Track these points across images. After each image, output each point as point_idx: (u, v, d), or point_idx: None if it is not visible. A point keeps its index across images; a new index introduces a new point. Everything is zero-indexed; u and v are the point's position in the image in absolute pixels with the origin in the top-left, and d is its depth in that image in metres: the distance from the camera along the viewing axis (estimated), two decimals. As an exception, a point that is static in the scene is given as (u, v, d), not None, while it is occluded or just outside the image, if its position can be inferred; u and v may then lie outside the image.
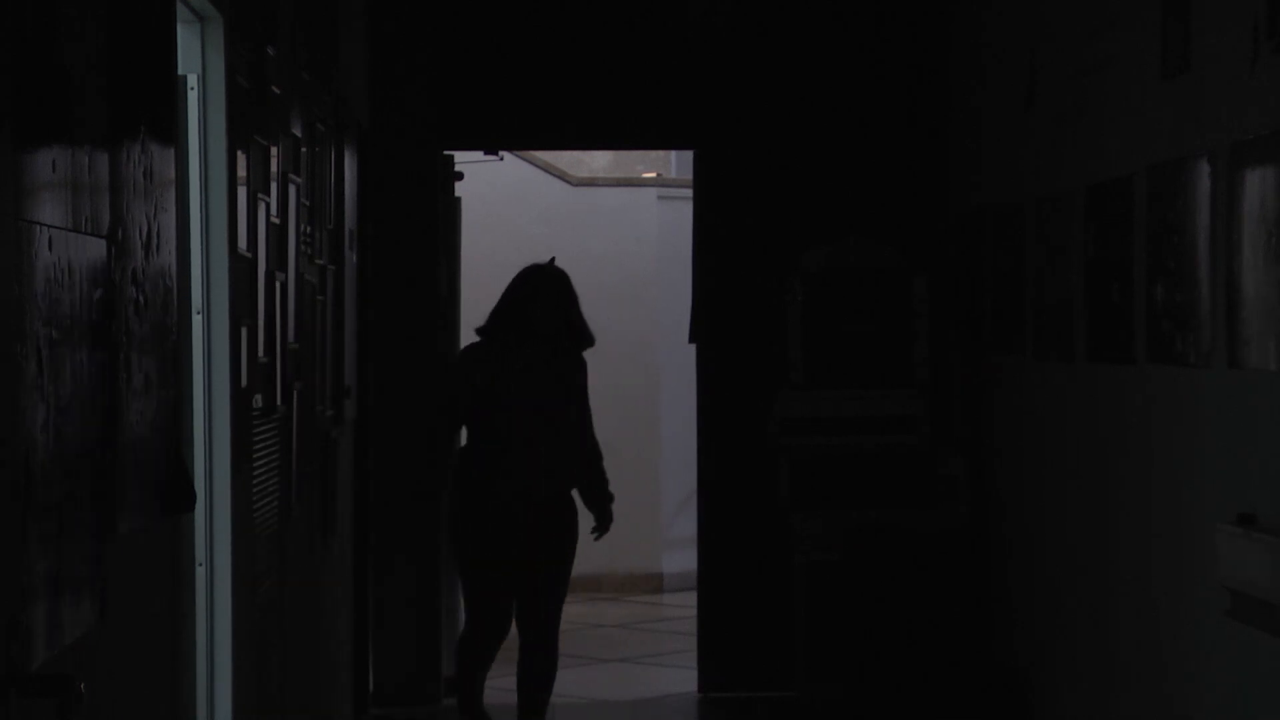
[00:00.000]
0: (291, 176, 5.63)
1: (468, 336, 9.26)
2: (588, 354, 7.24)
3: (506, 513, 6.96)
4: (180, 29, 4.14)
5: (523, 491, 6.95)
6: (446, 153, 8.61)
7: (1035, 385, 7.18)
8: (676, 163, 13.75)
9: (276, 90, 5.33)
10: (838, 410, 8.08)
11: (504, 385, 6.96)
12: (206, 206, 4.53)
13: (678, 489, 11.34)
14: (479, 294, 10.91)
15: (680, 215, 10.55)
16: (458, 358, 7.28)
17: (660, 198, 12.22)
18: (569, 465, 7.08)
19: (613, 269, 11.96)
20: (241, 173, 4.75)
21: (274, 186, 5.29)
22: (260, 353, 5.03)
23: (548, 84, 8.48)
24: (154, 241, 3.56)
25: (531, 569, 7.05)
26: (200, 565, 4.52)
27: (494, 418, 6.96)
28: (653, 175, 13.30)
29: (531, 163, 12.07)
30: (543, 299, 7.02)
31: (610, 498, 7.26)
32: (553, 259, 7.18)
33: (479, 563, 7.04)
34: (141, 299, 3.44)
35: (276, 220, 5.34)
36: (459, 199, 8.82)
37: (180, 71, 4.26)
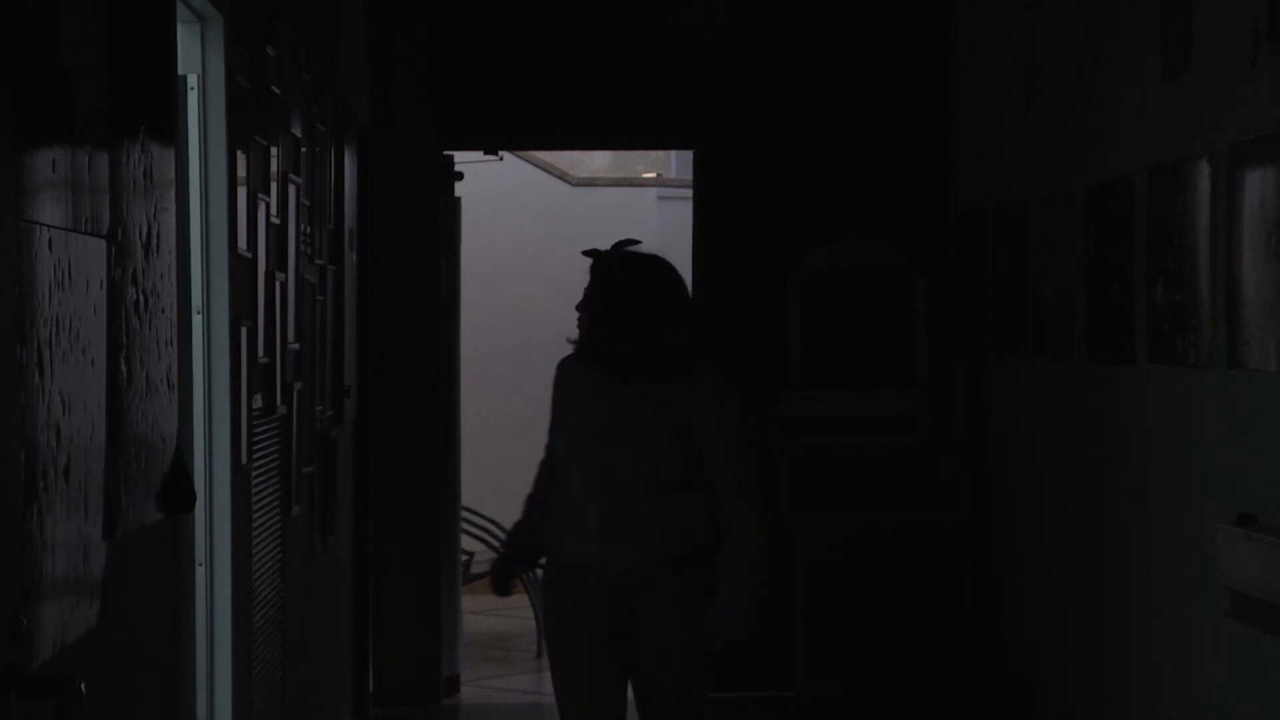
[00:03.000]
0: (291, 176, 5.63)
1: (468, 336, 9.28)
2: None
3: (579, 596, 5.17)
4: (180, 29, 4.13)
5: (593, 565, 5.13)
6: (446, 153, 8.61)
7: (1035, 385, 7.18)
8: (676, 163, 13.75)
9: (276, 90, 5.33)
10: (838, 410, 8.08)
11: (569, 415, 5.28)
12: (206, 206, 4.53)
13: (678, 489, 11.30)
14: (479, 294, 10.92)
15: (680, 215, 10.54)
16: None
17: (660, 198, 12.22)
18: (671, 525, 5.11)
19: (613, 269, 11.93)
20: (241, 173, 4.75)
21: (274, 186, 5.29)
22: (260, 353, 5.03)
23: (547, 84, 8.47)
24: (154, 241, 3.56)
25: (633, 678, 5.20)
26: (200, 565, 4.52)
27: (561, 460, 5.28)
28: (653, 175, 13.31)
29: (531, 163, 12.07)
30: (596, 303, 5.17)
31: (745, 582, 5.08)
32: (622, 243, 5.30)
33: (556, 667, 5.31)
34: (141, 299, 3.44)
35: (276, 220, 5.34)
36: (459, 199, 8.82)
37: (180, 71, 4.26)
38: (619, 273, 5.12)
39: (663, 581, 5.08)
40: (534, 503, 5.40)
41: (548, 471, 5.36)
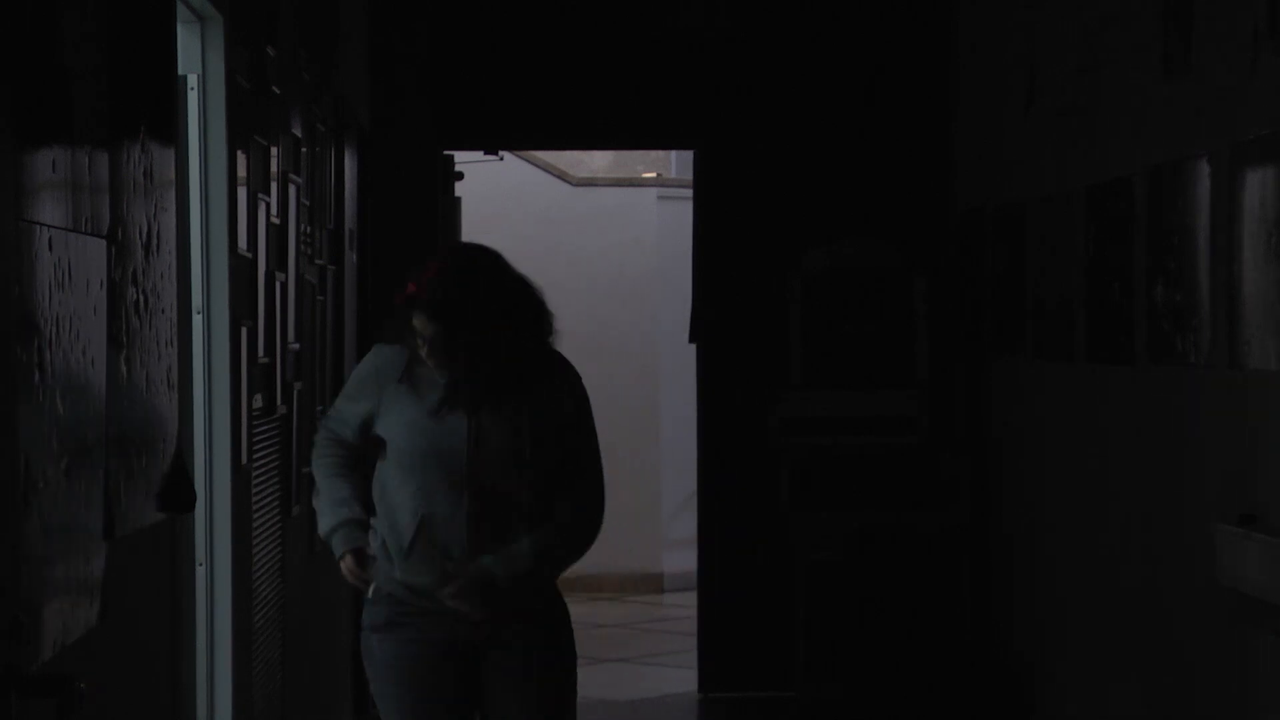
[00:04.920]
0: (291, 176, 5.63)
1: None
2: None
3: (424, 641, 4.37)
4: (180, 29, 4.14)
5: (446, 610, 4.32)
6: (446, 153, 8.61)
7: (1035, 385, 7.18)
8: (676, 163, 13.74)
9: (276, 90, 5.33)
10: (838, 410, 8.08)
11: (404, 419, 4.37)
12: (206, 206, 4.53)
13: (678, 489, 11.35)
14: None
15: (680, 215, 10.55)
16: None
17: (660, 198, 12.23)
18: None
19: (613, 269, 11.96)
20: (241, 173, 4.75)
21: (274, 186, 5.29)
22: (260, 353, 5.03)
23: (548, 84, 8.48)
24: (154, 241, 3.56)
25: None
26: (200, 565, 4.52)
27: (391, 476, 4.38)
28: (653, 175, 13.30)
29: (531, 163, 12.07)
30: (429, 338, 4.26)
31: (540, 550, 4.32)
32: (451, 251, 4.66)
33: None
34: (141, 299, 3.44)
35: (276, 220, 5.34)
36: (459, 199, 8.82)
37: (180, 71, 4.26)
38: (457, 273, 4.28)
39: (523, 617, 4.36)
40: (347, 486, 4.45)
41: (349, 452, 4.46)
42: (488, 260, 4.36)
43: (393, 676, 4.36)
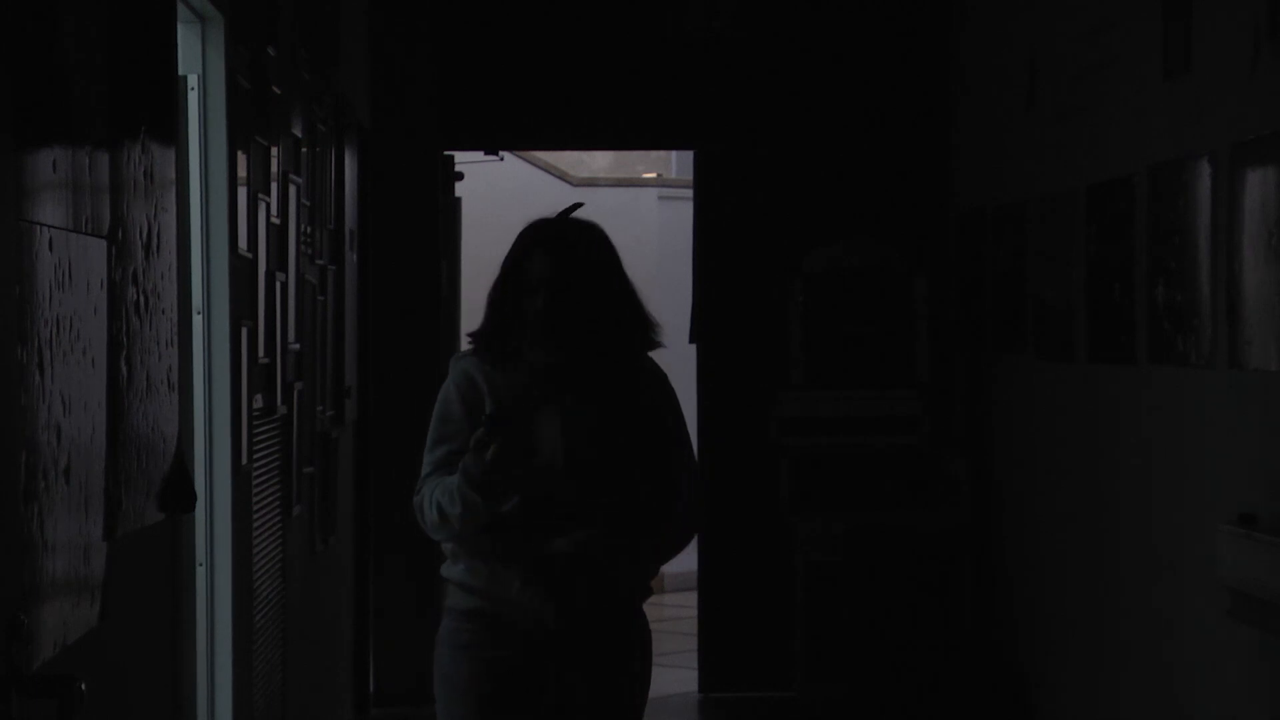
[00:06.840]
0: (292, 177, 5.63)
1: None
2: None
3: (495, 660, 4.08)
4: (180, 29, 4.13)
5: (533, 613, 4.05)
6: (446, 153, 8.61)
7: (1036, 385, 7.18)
8: (677, 163, 13.75)
9: (277, 90, 5.33)
10: (838, 410, 8.08)
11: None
12: (207, 206, 4.53)
13: (678, 489, 11.31)
14: (479, 294, 10.90)
15: (680, 215, 10.54)
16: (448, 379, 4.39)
17: (660, 198, 12.23)
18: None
19: (613, 269, 11.95)
20: (242, 173, 4.75)
21: (274, 187, 5.29)
22: (260, 353, 5.03)
23: (548, 84, 8.48)
24: (154, 241, 3.55)
25: None
26: (200, 565, 4.52)
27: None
28: (653, 175, 13.31)
29: (531, 163, 12.07)
30: (546, 281, 4.21)
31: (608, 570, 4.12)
32: (573, 206, 4.45)
33: None
34: (141, 299, 3.44)
35: (277, 220, 5.34)
36: (459, 199, 8.82)
37: (180, 71, 4.26)
38: (568, 241, 4.25)
39: (613, 634, 4.16)
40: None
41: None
42: (609, 243, 4.34)
43: (458, 693, 4.09)
